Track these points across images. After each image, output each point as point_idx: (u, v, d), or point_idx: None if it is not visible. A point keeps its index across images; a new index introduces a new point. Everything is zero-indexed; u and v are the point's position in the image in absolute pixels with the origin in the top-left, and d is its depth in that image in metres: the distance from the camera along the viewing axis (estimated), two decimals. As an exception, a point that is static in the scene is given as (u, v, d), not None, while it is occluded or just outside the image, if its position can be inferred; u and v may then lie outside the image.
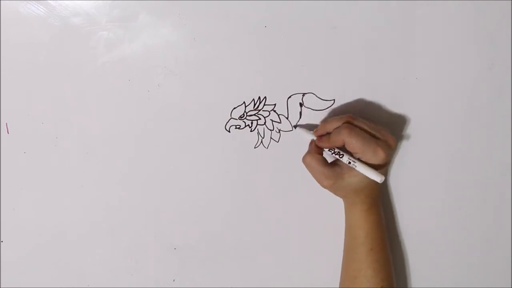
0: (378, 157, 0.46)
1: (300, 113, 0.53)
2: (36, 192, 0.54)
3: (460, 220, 0.58)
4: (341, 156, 0.48)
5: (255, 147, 0.54)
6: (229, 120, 0.52)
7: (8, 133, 0.51)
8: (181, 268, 0.58)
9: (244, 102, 0.52)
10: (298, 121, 0.52)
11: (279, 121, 0.53)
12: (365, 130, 0.47)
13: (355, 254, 0.52)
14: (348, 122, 0.48)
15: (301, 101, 0.52)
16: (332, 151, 0.49)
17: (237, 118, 0.52)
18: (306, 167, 0.50)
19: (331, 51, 0.50)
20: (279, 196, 0.55)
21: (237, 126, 0.53)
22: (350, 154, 0.48)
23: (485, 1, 0.49)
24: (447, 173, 0.56)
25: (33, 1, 0.47)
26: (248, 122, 0.53)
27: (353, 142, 0.46)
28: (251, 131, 0.53)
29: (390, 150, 0.48)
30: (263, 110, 0.52)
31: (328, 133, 0.49)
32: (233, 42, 0.50)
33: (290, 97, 0.52)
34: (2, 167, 0.53)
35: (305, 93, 0.52)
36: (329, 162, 0.50)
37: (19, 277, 0.57)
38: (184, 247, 0.57)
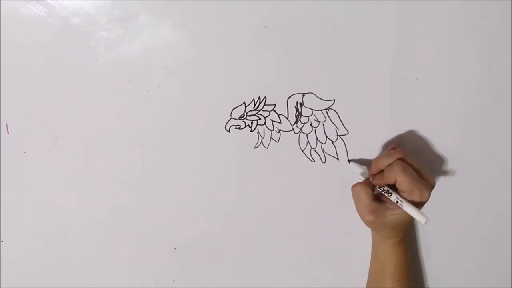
0: (423, 197, 0.47)
1: (300, 113, 0.53)
2: (36, 192, 0.54)
3: (460, 220, 0.58)
4: (389, 194, 0.48)
5: (255, 147, 0.54)
6: (229, 120, 0.52)
7: (8, 133, 0.51)
8: (181, 268, 0.58)
9: (244, 102, 0.52)
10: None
11: (279, 121, 0.53)
12: (415, 168, 0.48)
13: (383, 285, 0.52)
14: (400, 159, 0.48)
15: (301, 101, 0.52)
16: (382, 189, 0.49)
17: (237, 118, 0.52)
18: (354, 196, 0.50)
19: (331, 51, 0.50)
20: (279, 196, 0.55)
21: (237, 126, 0.53)
22: (397, 192, 0.49)
23: (485, 1, 0.49)
24: (447, 173, 0.56)
25: (33, 1, 0.47)
26: (248, 122, 0.53)
27: (405, 181, 0.46)
28: (251, 131, 0.53)
29: (431, 190, 0.49)
30: (263, 110, 0.52)
31: (381, 171, 0.49)
32: (233, 42, 0.50)
33: (290, 97, 0.52)
34: (2, 167, 0.53)
35: (305, 93, 0.52)
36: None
37: (19, 277, 0.57)
38: (184, 247, 0.57)
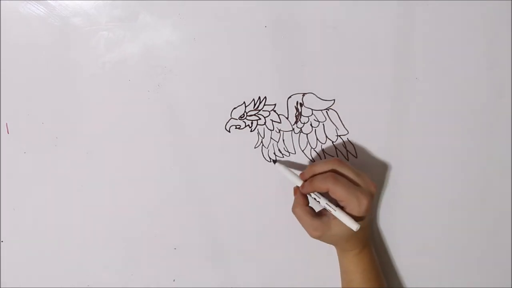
0: (362, 206, 0.47)
1: (300, 113, 0.53)
2: (36, 192, 0.54)
3: (460, 220, 0.58)
4: (318, 200, 0.49)
5: (255, 147, 0.54)
6: (229, 120, 0.52)
7: (8, 133, 0.51)
8: (181, 268, 0.58)
9: (244, 102, 0.52)
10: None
11: (279, 121, 0.53)
12: (349, 178, 0.48)
13: None
14: (334, 169, 0.48)
15: (301, 101, 0.52)
16: (319, 198, 0.49)
17: (237, 118, 0.52)
18: (296, 217, 0.50)
19: (331, 51, 0.50)
20: (279, 196, 0.55)
21: (237, 126, 0.53)
22: (331, 199, 0.49)
23: (485, 1, 0.49)
24: (447, 173, 0.56)
25: (33, 1, 0.47)
26: (248, 122, 0.53)
27: (338, 191, 0.46)
28: (251, 131, 0.53)
29: (372, 198, 0.48)
30: (263, 110, 0.52)
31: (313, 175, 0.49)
32: (233, 42, 0.50)
33: (290, 97, 0.52)
34: (2, 167, 0.53)
35: (305, 93, 0.52)
36: (316, 210, 0.50)
37: (19, 277, 0.57)
38: (184, 247, 0.57)
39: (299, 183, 0.50)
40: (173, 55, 0.50)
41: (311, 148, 0.54)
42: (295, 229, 0.57)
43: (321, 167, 0.49)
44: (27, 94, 0.50)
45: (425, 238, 0.58)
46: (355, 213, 0.47)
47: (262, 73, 0.51)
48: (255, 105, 0.52)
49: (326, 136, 0.54)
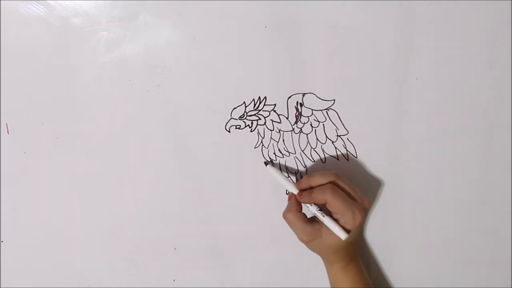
0: (356, 220, 0.48)
1: (300, 113, 0.53)
2: (36, 192, 0.54)
3: (460, 220, 0.58)
4: (308, 206, 0.49)
5: (255, 147, 0.54)
6: (229, 120, 0.52)
7: (8, 133, 0.51)
8: (181, 268, 0.58)
9: (244, 102, 0.52)
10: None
11: (279, 121, 0.53)
12: (346, 192, 0.49)
13: None
14: (332, 181, 0.49)
15: (301, 101, 0.52)
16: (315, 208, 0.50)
17: (237, 118, 0.52)
18: (287, 222, 0.51)
19: (331, 51, 0.50)
20: (279, 196, 0.55)
21: (237, 126, 0.53)
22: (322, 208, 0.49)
23: (485, 1, 0.49)
24: (447, 172, 0.56)
25: (33, 1, 0.47)
26: (248, 122, 0.53)
27: (335, 203, 0.47)
28: (251, 131, 0.53)
29: (366, 214, 0.49)
30: (263, 110, 0.52)
31: (311, 187, 0.50)
32: (233, 42, 0.50)
33: (290, 97, 0.52)
34: (2, 167, 0.53)
35: (305, 93, 0.52)
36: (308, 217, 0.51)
37: (19, 277, 0.57)
38: (184, 247, 0.57)
39: (290, 187, 0.51)
40: (173, 55, 0.50)
41: (311, 148, 0.54)
42: (295, 229, 0.57)
43: (319, 179, 0.49)
44: (27, 94, 0.50)
45: (425, 238, 0.58)
46: (348, 226, 0.48)
47: (262, 73, 0.51)
48: (255, 105, 0.52)
49: (326, 136, 0.54)
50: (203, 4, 0.48)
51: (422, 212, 0.57)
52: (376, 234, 0.58)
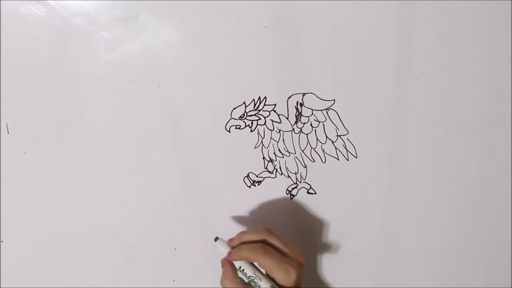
0: (290, 278, 0.46)
1: (300, 113, 0.53)
2: (36, 192, 0.54)
3: (460, 219, 0.58)
4: (244, 272, 0.47)
5: (255, 147, 0.54)
6: (229, 120, 0.52)
7: (8, 133, 0.51)
8: (181, 268, 0.58)
9: (244, 102, 0.52)
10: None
11: (279, 121, 0.53)
12: (279, 249, 0.47)
13: None
14: (263, 240, 0.47)
15: (301, 101, 0.52)
16: (248, 271, 0.48)
17: (237, 118, 0.52)
18: None
19: (331, 51, 0.50)
20: (279, 196, 0.55)
21: (237, 126, 0.53)
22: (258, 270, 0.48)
23: (485, 1, 0.49)
24: (447, 172, 0.56)
25: (33, 1, 0.47)
26: (248, 122, 0.53)
27: (267, 263, 0.46)
28: (251, 131, 0.53)
29: (301, 269, 0.48)
30: (263, 110, 0.52)
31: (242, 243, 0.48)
32: (233, 42, 0.50)
33: (290, 97, 0.52)
34: (2, 167, 0.53)
35: (305, 93, 0.52)
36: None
37: (19, 277, 0.57)
38: (184, 247, 0.57)
39: (224, 250, 0.49)
40: (173, 55, 0.50)
41: (311, 148, 0.54)
42: (295, 229, 0.57)
43: (251, 236, 0.48)
44: (27, 94, 0.50)
45: (425, 238, 0.58)
46: (283, 283, 0.46)
47: (262, 73, 0.51)
48: (255, 105, 0.52)
49: (326, 136, 0.54)
50: (203, 4, 0.48)
51: (422, 212, 0.57)
52: (376, 234, 0.58)
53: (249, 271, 0.48)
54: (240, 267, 0.48)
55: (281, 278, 0.46)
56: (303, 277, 0.48)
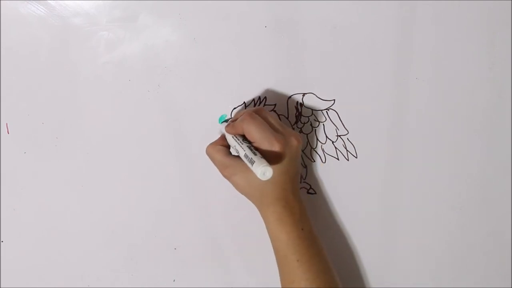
0: (273, 151, 0.43)
1: (300, 113, 0.53)
2: (36, 192, 0.54)
3: (460, 219, 0.58)
4: (241, 144, 0.45)
5: (255, 147, 0.54)
6: (229, 120, 0.52)
7: (8, 133, 0.51)
8: (181, 268, 0.58)
9: (244, 102, 0.52)
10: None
11: (279, 121, 0.53)
12: (269, 122, 0.46)
13: (284, 267, 0.48)
14: (257, 113, 0.46)
15: (301, 101, 0.52)
16: (237, 140, 0.46)
17: (237, 118, 0.52)
18: (209, 157, 0.48)
19: (331, 51, 0.50)
20: (279, 196, 0.55)
21: (237, 126, 0.53)
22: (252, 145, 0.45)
23: (485, 1, 0.49)
24: (447, 172, 0.56)
25: (33, 1, 0.47)
26: (248, 122, 0.53)
27: (251, 130, 0.44)
28: (251, 131, 0.53)
29: (288, 146, 0.45)
30: (263, 110, 0.52)
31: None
32: (233, 42, 0.50)
33: (290, 97, 0.52)
34: (2, 167, 0.53)
35: (305, 93, 0.52)
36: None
37: (19, 277, 0.57)
38: (184, 247, 0.57)
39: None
40: (173, 55, 0.50)
41: (311, 148, 0.54)
42: (295, 229, 0.57)
43: (247, 111, 0.47)
44: (27, 94, 0.50)
45: (425, 238, 0.58)
46: (267, 156, 0.42)
47: (262, 73, 0.51)
48: (255, 105, 0.52)
49: (326, 136, 0.54)
50: (203, 4, 0.48)
51: (422, 212, 0.57)
52: (376, 234, 0.58)
53: (232, 142, 0.45)
54: (235, 146, 0.46)
55: (263, 149, 0.44)
56: None
